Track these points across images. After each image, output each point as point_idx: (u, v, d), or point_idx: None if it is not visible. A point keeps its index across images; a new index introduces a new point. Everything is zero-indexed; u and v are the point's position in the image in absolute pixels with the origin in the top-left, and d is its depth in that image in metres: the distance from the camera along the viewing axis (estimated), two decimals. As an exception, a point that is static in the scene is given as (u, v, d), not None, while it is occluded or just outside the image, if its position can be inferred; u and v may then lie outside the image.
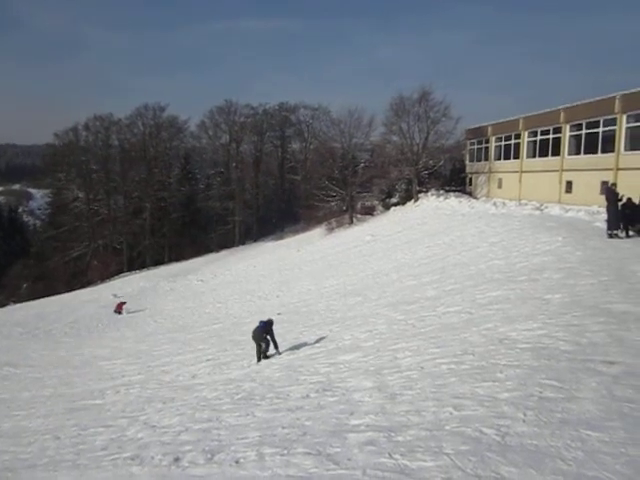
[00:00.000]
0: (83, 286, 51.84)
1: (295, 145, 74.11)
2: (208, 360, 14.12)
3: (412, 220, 33.97)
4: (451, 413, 5.70)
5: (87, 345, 22.62)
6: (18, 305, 47.55)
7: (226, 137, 69.89)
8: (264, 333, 12.61)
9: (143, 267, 58.38)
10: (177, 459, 6.72)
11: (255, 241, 60.94)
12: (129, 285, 45.47)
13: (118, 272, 56.77)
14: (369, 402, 6.87)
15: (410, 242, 26.95)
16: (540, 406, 5.45)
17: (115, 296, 37.98)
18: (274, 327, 12.90)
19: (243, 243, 61.72)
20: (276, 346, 12.71)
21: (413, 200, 41.63)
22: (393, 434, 5.46)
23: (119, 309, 31.27)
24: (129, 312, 30.79)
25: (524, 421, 5.15)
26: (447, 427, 5.34)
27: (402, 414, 6.03)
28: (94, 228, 63.42)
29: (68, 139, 68.03)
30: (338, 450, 5.39)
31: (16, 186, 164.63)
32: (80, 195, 67.24)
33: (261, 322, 12.82)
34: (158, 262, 59.31)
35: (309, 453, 5.51)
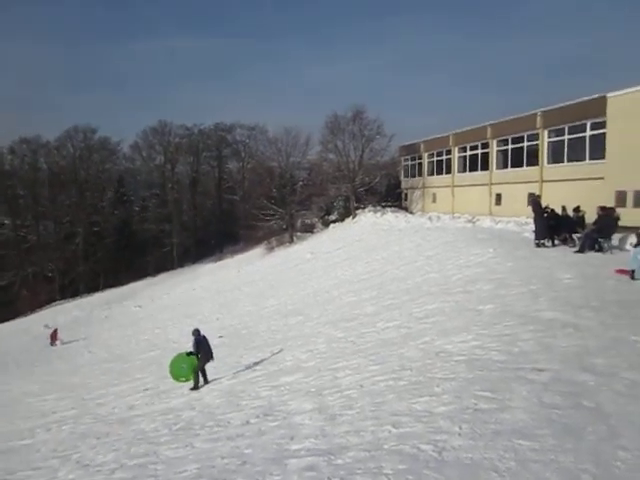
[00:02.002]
0: (11, 317, 49.03)
1: (232, 165, 73.63)
2: (146, 390, 13.62)
3: (351, 236, 34.33)
4: (390, 431, 5.72)
5: (15, 381, 21.38)
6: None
7: (161, 158, 68.66)
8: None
9: (77, 295, 55.93)
10: (111, 499, 6.41)
11: (194, 263, 59.75)
12: (62, 314, 43.50)
13: (50, 301, 54.10)
14: (309, 425, 6.80)
15: (349, 258, 27.21)
16: (475, 418, 5.56)
17: (47, 327, 36.21)
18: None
19: (182, 266, 60.38)
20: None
21: (351, 217, 42.13)
22: (333, 457, 5.41)
23: (53, 339, 29.79)
24: (63, 343, 29.40)
25: (460, 435, 5.23)
26: (386, 446, 5.35)
27: (342, 435, 6.00)
28: (22, 256, 60.37)
29: (-9, 163, 64.81)
30: (277, 478, 5.28)
31: None
32: (6, 221, 64.00)
33: (200, 335, 12.26)
34: (93, 289, 57.04)
35: (248, 483, 5.38)
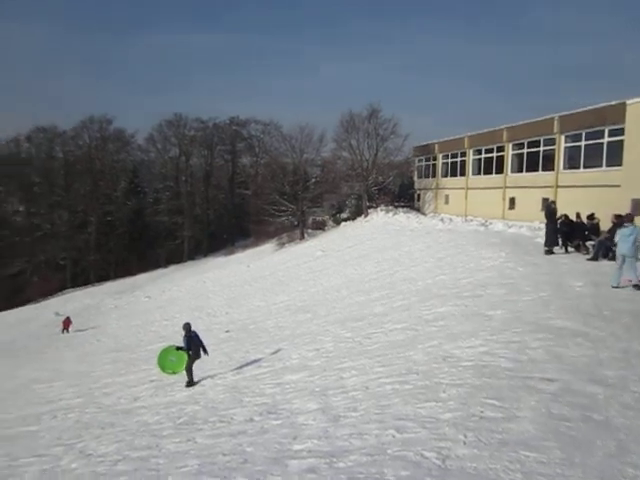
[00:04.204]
0: (22, 304, 49.55)
1: (246, 159, 73.79)
2: (152, 381, 13.62)
3: (362, 235, 34.25)
4: (393, 436, 5.64)
5: (24, 367, 21.59)
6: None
7: (175, 151, 68.94)
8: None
9: (87, 283, 56.40)
10: (111, 491, 6.39)
11: (205, 256, 60.02)
12: (72, 302, 43.87)
13: (61, 289, 54.63)
14: (313, 425, 6.74)
15: (360, 257, 27.12)
16: (481, 427, 5.46)
17: (57, 314, 36.54)
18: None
19: (192, 258, 60.65)
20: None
21: (363, 215, 42.08)
22: (335, 460, 5.34)
23: (66, 326, 29.99)
24: (75, 330, 29.61)
25: (465, 443, 5.14)
26: (389, 451, 5.27)
27: (345, 438, 5.93)
28: (35, 243, 60.91)
29: (9, 150, 65.53)
30: (278, 479, 5.23)
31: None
32: (20, 209, 64.67)
33: (190, 331, 12.05)
34: (103, 278, 57.47)
35: (248, 483, 5.33)
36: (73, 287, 55.59)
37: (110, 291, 46.85)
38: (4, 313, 45.36)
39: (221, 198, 71.89)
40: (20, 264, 59.53)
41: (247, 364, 12.58)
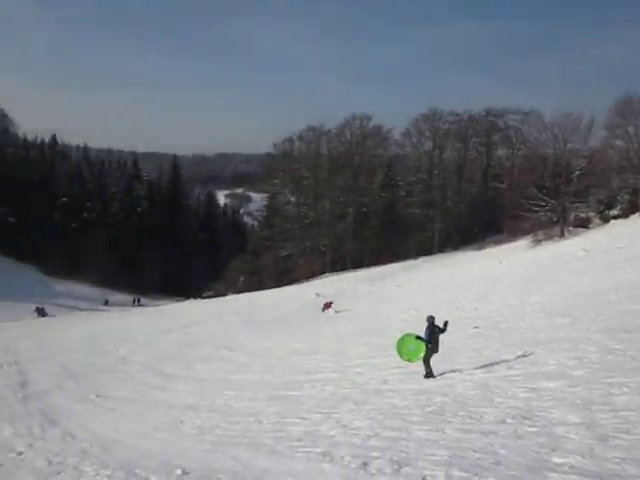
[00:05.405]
0: (289, 283, 56.12)
1: (501, 151, 70.64)
2: (399, 367, 14.02)
3: (636, 235, 30.02)
4: (680, 471, 4.81)
5: (289, 338, 24.28)
6: (235, 296, 53.55)
7: (429, 144, 69.55)
8: None
9: (343, 269, 60.92)
10: (365, 464, 6.78)
11: (455, 249, 59.60)
12: (330, 286, 47.80)
13: (321, 272, 60.16)
14: (575, 440, 6.14)
15: (632, 259, 23.85)
16: None
17: (318, 295, 40.24)
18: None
19: (442, 251, 60.75)
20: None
21: (639, 213, 36.81)
22: (603, 483, 4.79)
23: (327, 308, 32.74)
24: (336, 311, 32.08)
25: None
26: (675, 487, 4.51)
27: (616, 461, 5.26)
28: (303, 230, 68.19)
29: (284, 148, 74.61)
30: (536, 489, 4.91)
31: (239, 190, 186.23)
32: (292, 199, 73.14)
33: (434, 324, 11.94)
34: (358, 265, 61.39)
35: (502, 485, 5.11)
36: (331, 272, 60.70)
37: (363, 277, 49.79)
38: (276, 290, 51.95)
39: (473, 191, 70.29)
40: (290, 248, 67.51)
41: (497, 363, 12.10)
